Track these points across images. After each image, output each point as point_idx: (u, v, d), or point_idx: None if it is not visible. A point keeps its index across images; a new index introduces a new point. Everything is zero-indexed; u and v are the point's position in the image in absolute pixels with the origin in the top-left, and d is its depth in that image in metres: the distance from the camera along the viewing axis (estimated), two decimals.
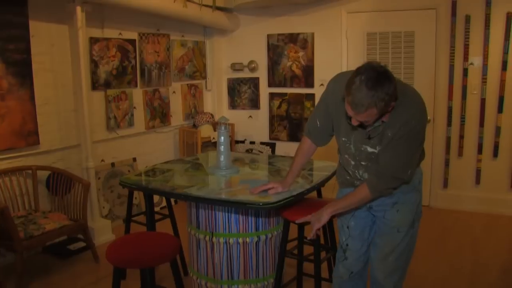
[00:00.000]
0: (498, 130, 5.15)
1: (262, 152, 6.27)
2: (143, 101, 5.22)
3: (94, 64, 4.61)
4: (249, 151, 6.34)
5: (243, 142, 6.40)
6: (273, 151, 6.28)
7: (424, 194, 2.78)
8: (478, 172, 5.30)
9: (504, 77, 5.05)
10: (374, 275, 2.61)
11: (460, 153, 5.35)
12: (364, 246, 2.62)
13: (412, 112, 2.21)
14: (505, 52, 5.01)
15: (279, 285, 3.02)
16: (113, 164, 4.96)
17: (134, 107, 5.11)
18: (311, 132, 2.64)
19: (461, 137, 5.31)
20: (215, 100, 6.32)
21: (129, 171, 5.12)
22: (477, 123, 5.23)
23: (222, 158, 3.21)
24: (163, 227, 4.00)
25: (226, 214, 2.94)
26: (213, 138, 5.79)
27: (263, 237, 3.02)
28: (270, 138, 6.30)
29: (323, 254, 3.20)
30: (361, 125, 2.22)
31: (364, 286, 2.75)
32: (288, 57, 5.97)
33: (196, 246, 3.10)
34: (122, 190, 5.02)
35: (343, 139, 2.43)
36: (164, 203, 5.47)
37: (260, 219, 2.99)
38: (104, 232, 4.53)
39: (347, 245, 2.63)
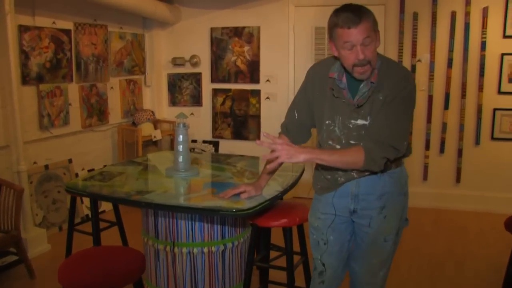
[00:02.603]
0: (444, 127, 5.21)
1: (204, 151, 5.99)
2: (79, 97, 4.77)
3: (25, 56, 4.12)
4: (191, 150, 6.02)
5: None
6: (216, 149, 6.01)
7: None
8: (426, 168, 5.33)
9: (450, 74, 5.10)
10: None
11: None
12: (341, 265, 2.40)
13: (401, 73, 2.12)
14: (450, 50, 5.07)
15: None
16: (46, 167, 4.49)
17: (70, 104, 4.65)
18: (289, 128, 2.43)
19: (410, 133, 5.31)
20: (154, 97, 5.95)
21: (64, 173, 4.66)
22: (425, 119, 5.25)
23: (180, 159, 2.91)
24: (110, 236, 3.64)
25: (190, 221, 2.66)
26: (154, 136, 5.44)
27: (229, 245, 2.76)
28: (213, 136, 6.02)
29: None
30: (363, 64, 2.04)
31: None
32: (233, 51, 5.72)
33: (155, 257, 2.79)
34: (57, 194, 4.56)
35: (327, 122, 2.23)
36: (103, 208, 5.05)
37: (226, 225, 2.73)
38: (38, 242, 4.07)
39: (323, 265, 2.38)
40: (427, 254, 4.12)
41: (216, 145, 6.01)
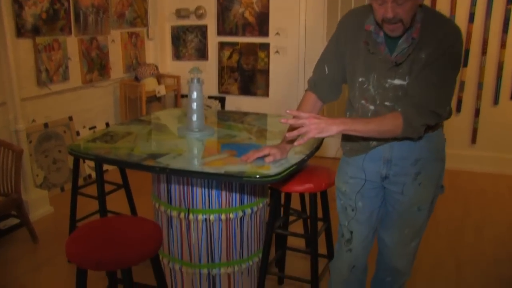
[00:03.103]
0: (462, 85, 4.96)
1: (210, 107, 5.74)
2: (78, 51, 4.47)
3: (18, 5, 3.79)
4: None
5: None
6: (222, 105, 5.76)
7: None
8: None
9: (471, 30, 4.81)
10: (392, 265, 2.24)
11: None
12: (370, 233, 2.21)
13: (449, 28, 1.85)
14: (473, 4, 4.76)
15: (266, 264, 2.60)
16: (46, 125, 4.24)
17: (69, 58, 4.36)
18: (318, 84, 2.18)
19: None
20: (157, 50, 5.64)
21: (65, 131, 4.42)
22: None
23: (194, 117, 2.68)
24: (116, 200, 3.45)
25: (206, 186, 2.44)
26: (158, 92, 5.18)
27: (248, 211, 2.56)
28: (219, 92, 5.75)
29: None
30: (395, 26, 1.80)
31: (365, 282, 2.38)
32: (241, 2, 5.38)
33: (167, 224, 2.59)
34: (58, 154, 4.34)
35: (360, 79, 1.99)
36: (105, 167, 4.84)
37: (245, 190, 2.52)
38: (40, 204, 3.88)
39: (351, 232, 2.19)
40: (444, 219, 3.95)
41: (222, 101, 5.76)
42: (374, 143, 2.03)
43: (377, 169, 2.08)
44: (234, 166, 2.18)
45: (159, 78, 5.37)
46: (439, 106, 1.88)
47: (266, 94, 5.54)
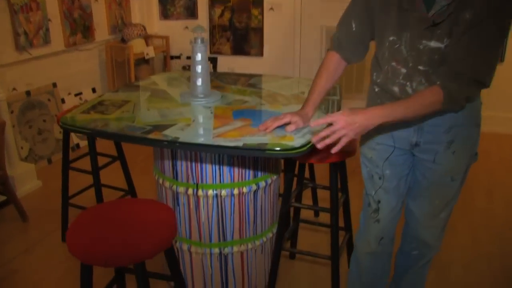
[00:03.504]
0: None
1: None
2: (59, 11, 4.11)
3: None
4: (186, 67, 5.48)
5: (178, 57, 5.50)
6: (214, 67, 5.47)
7: None
8: None
9: None
10: (419, 237, 2.07)
11: None
12: (399, 203, 2.03)
13: None
14: None
15: (282, 239, 2.40)
16: (28, 93, 3.91)
17: (49, 20, 4.00)
18: (342, 42, 1.93)
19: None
20: (143, 9, 5.27)
21: (49, 99, 4.10)
22: None
23: (199, 81, 2.41)
24: (110, 174, 3.20)
25: (217, 158, 2.20)
26: (147, 54, 4.86)
27: (262, 184, 2.32)
28: (211, 52, 5.44)
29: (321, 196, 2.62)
30: None
31: (392, 254, 2.21)
32: None
33: (174, 202, 2.35)
34: (43, 124, 4.03)
35: (391, 38, 1.75)
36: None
37: (259, 162, 2.28)
38: (27, 179, 3.60)
39: (378, 202, 2.01)
40: None
41: (214, 62, 5.45)
42: None
43: (407, 136, 1.88)
44: (252, 137, 1.93)
45: (147, 39, 5.04)
46: (484, 74, 1.62)
47: (260, 53, 5.25)
